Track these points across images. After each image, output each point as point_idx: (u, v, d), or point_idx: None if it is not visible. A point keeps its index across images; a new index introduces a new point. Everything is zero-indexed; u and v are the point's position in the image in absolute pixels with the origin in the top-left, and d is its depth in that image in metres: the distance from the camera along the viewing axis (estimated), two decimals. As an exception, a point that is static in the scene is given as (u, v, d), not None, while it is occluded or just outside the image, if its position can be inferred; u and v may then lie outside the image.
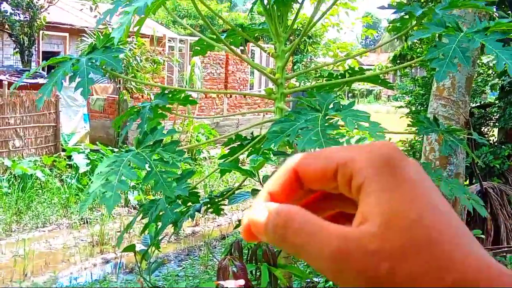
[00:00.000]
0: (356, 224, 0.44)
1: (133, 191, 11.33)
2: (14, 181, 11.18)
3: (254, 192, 3.20)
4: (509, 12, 8.78)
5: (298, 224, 0.44)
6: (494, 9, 7.96)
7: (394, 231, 0.42)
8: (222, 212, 3.70)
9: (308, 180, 0.48)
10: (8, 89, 12.98)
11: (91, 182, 2.62)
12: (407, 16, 3.44)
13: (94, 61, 2.68)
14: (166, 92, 3.27)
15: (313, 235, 0.44)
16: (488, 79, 9.96)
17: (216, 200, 3.48)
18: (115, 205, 2.54)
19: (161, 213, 2.99)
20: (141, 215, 3.19)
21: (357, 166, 0.45)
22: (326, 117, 2.67)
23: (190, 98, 3.44)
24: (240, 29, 3.68)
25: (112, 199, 2.50)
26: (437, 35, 3.10)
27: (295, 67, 23.96)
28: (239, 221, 3.70)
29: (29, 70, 15.49)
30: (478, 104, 9.77)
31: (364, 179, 0.44)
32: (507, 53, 2.61)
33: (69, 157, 12.76)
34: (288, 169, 0.48)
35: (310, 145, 2.50)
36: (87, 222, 10.12)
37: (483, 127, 9.06)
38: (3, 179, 11.25)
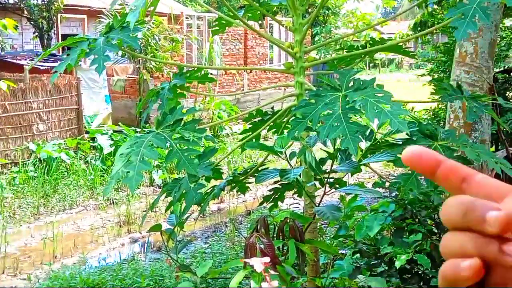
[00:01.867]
0: None
1: (157, 170, 11.40)
2: (40, 164, 11.29)
3: (283, 173, 3.13)
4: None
5: None
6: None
7: None
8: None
9: None
10: (30, 73, 13.06)
11: (113, 164, 2.63)
12: (426, -18, 3.36)
13: (111, 39, 2.67)
14: (184, 71, 3.24)
15: None
16: (512, 42, 9.75)
17: (240, 178, 3.47)
18: (137, 184, 2.55)
19: (184, 192, 2.98)
20: (164, 194, 3.19)
21: None
22: (347, 98, 2.64)
23: (209, 76, 3.41)
24: (257, 4, 3.63)
25: (134, 179, 2.50)
26: (457, 0, 3.03)
27: (316, 39, 23.77)
28: (264, 197, 3.69)
29: (49, 54, 15.56)
30: (502, 69, 9.60)
31: None
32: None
33: (93, 139, 12.86)
34: None
35: (333, 132, 2.49)
36: (113, 202, 10.21)
37: (508, 92, 8.91)
38: (28, 163, 11.38)
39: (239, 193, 3.68)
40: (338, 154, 3.21)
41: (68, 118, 13.29)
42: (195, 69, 3.38)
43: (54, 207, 10.01)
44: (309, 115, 2.63)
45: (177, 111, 2.89)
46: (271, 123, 3.62)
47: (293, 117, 2.74)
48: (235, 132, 14.95)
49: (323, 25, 24.63)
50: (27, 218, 9.44)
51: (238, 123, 15.90)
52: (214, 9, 3.93)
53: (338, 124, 2.52)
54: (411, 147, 0.53)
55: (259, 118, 3.73)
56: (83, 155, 12.33)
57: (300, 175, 3.18)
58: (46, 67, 14.17)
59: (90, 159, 12.02)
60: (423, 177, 2.98)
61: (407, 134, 2.90)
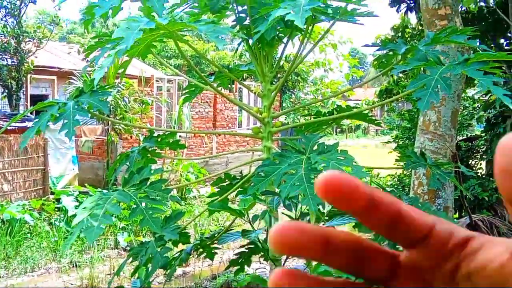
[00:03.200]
0: None
1: (122, 232, 11.24)
2: (2, 225, 11.06)
3: (245, 233, 3.19)
4: (492, 45, 8.91)
5: None
6: (478, 43, 8.06)
7: None
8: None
9: None
10: (-4, 133, 12.95)
11: (75, 217, 2.61)
12: (391, 53, 3.49)
13: (81, 104, 2.69)
14: (154, 135, 3.28)
15: None
16: (474, 112, 10.05)
17: (208, 242, 3.47)
18: (96, 237, 2.53)
19: (150, 256, 2.97)
20: (130, 258, 3.17)
21: None
22: (310, 160, 2.70)
23: (180, 143, 3.45)
24: (227, 70, 3.71)
25: (95, 231, 2.49)
26: (421, 69, 3.14)
27: (284, 104, 24.10)
28: (231, 261, 3.68)
29: (17, 114, 15.48)
30: (465, 137, 9.84)
31: None
32: (488, 80, 2.66)
33: (58, 200, 12.67)
34: None
35: (293, 191, 2.54)
36: (76, 265, 10.00)
37: (471, 160, 9.11)
38: (-9, 224, 11.15)
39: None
40: (301, 217, 3.25)
41: (34, 179, 13.13)
42: (166, 133, 3.42)
43: (15, 269, 9.76)
44: (271, 174, 2.68)
45: (144, 171, 2.91)
46: (239, 188, 3.64)
47: (255, 175, 2.78)
48: (203, 195, 14.89)
49: (292, 91, 25.02)
50: (-14, 281, 9.19)
51: (206, 185, 15.87)
52: (184, 73, 4.04)
53: (300, 183, 2.57)
54: (328, 172, 0.39)
55: (228, 182, 3.76)
56: (47, 217, 12.13)
57: (266, 240, 3.20)
58: (13, 127, 14.07)
59: (54, 220, 11.82)
60: (386, 243, 3.01)
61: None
